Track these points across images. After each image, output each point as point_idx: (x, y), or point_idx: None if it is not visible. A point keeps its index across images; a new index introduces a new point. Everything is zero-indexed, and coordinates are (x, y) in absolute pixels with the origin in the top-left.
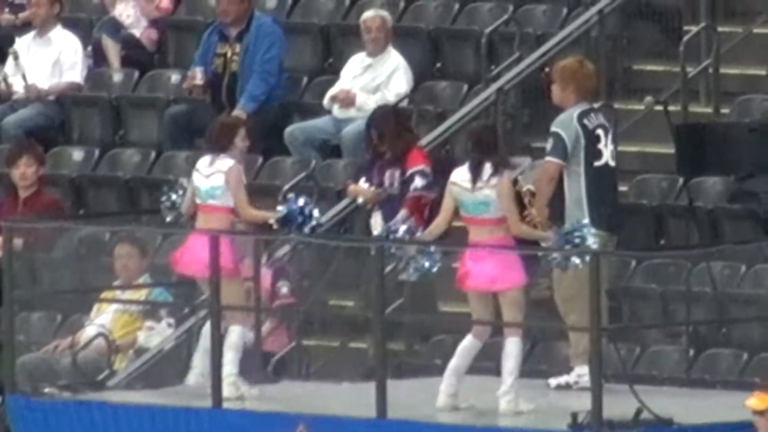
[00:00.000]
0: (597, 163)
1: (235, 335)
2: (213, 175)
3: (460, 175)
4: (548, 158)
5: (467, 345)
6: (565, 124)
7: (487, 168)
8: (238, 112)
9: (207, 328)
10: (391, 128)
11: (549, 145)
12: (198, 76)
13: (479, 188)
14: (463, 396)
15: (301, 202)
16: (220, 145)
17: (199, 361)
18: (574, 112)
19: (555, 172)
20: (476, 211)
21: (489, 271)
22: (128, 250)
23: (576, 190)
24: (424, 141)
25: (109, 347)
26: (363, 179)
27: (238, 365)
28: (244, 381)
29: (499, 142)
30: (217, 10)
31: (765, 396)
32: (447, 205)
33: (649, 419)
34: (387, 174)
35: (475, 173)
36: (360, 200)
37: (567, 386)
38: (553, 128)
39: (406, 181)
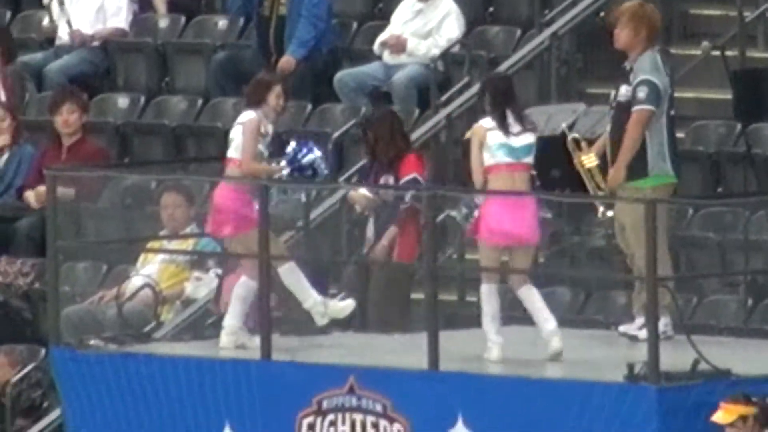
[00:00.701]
0: (672, 111)
1: (241, 288)
2: (236, 127)
3: (489, 123)
4: (643, 106)
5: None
6: (656, 71)
7: (510, 116)
8: (287, 58)
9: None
10: (386, 133)
11: (642, 92)
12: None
13: (518, 133)
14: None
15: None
16: (252, 101)
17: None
18: (656, 56)
19: (649, 121)
20: (523, 155)
21: (531, 221)
22: (175, 200)
23: (659, 138)
24: (476, 87)
25: (156, 298)
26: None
27: (242, 318)
28: (245, 332)
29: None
30: None
31: (731, 407)
32: (479, 158)
33: (707, 370)
34: (382, 179)
35: (502, 122)
36: (357, 208)
37: (634, 338)
38: (645, 76)
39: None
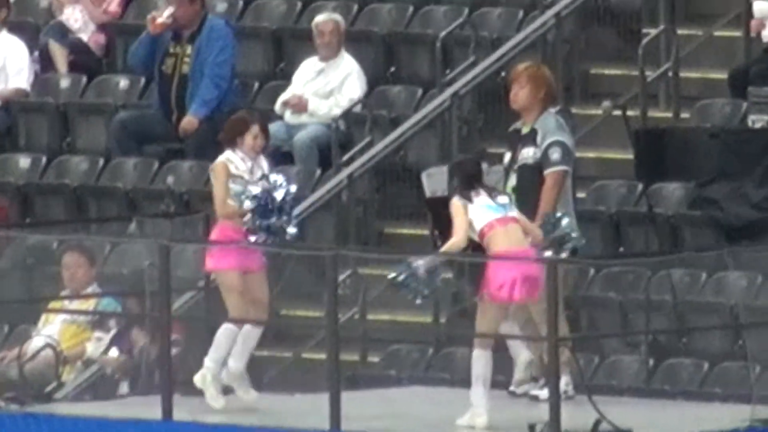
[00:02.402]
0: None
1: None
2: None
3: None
4: (559, 167)
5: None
6: (563, 130)
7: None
8: (190, 118)
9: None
10: None
11: (556, 153)
12: (165, 14)
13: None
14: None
15: (256, 190)
16: (226, 140)
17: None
18: (558, 117)
19: (564, 181)
20: (507, 210)
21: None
22: (76, 260)
23: (566, 198)
24: (378, 146)
25: (57, 358)
26: None
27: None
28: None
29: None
30: None
31: None
32: (463, 222)
33: (609, 430)
34: None
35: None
36: None
37: (535, 398)
38: (555, 137)
39: None
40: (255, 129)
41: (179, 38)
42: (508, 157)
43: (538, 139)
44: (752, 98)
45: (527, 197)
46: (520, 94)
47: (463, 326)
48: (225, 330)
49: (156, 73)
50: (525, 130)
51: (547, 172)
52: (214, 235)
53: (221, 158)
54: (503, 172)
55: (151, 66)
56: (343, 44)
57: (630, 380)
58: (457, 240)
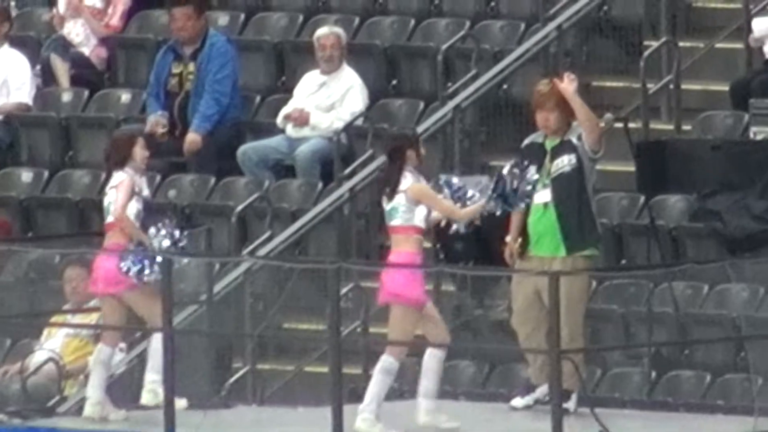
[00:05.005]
0: None
1: (100, 355)
2: (110, 191)
3: None
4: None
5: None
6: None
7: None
8: (193, 136)
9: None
10: None
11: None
12: (162, 122)
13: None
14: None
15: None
16: (118, 160)
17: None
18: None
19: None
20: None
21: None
22: (78, 273)
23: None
24: (379, 160)
25: (60, 372)
26: None
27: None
28: (109, 402)
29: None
30: (172, 27)
31: None
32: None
33: None
34: None
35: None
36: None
37: (535, 403)
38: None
39: None
40: (141, 141)
41: (181, 57)
42: (546, 169)
43: (575, 142)
44: (754, 110)
45: (567, 207)
46: (551, 119)
47: (466, 338)
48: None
49: (162, 94)
50: (553, 144)
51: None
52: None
53: (123, 177)
54: (529, 188)
55: (159, 90)
56: (345, 57)
57: (632, 392)
58: (457, 212)
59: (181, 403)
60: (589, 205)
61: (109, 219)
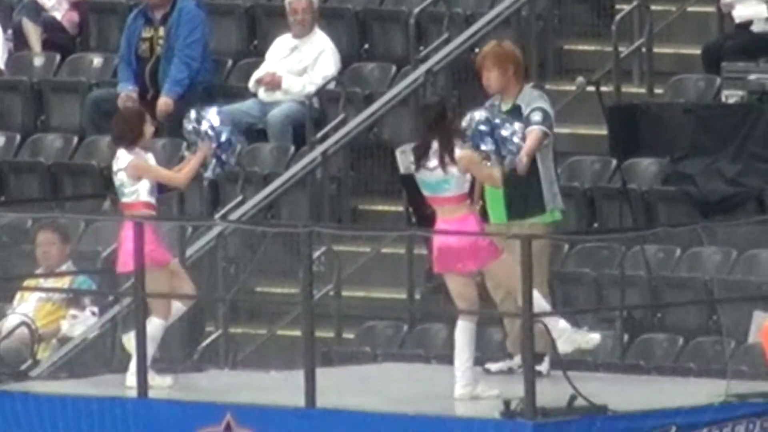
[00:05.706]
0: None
1: (152, 327)
2: (119, 173)
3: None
4: (539, 127)
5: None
6: (544, 100)
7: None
8: (165, 99)
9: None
10: None
11: (537, 116)
12: (132, 98)
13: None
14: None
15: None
16: (130, 138)
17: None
18: (534, 90)
19: (541, 143)
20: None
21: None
22: (50, 237)
23: (550, 173)
24: (352, 123)
25: (32, 336)
26: None
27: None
28: (152, 372)
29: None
30: None
31: None
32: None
33: (584, 406)
34: None
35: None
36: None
37: (510, 371)
38: (537, 104)
39: None
40: (148, 117)
41: (151, 22)
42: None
43: (524, 111)
44: (726, 74)
45: (511, 175)
46: (491, 79)
47: (438, 302)
48: (159, 326)
49: (133, 58)
50: (506, 107)
51: (527, 130)
52: (122, 238)
53: (130, 158)
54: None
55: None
56: (317, 21)
57: (605, 356)
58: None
59: (166, 380)
60: (537, 174)
61: (126, 199)
